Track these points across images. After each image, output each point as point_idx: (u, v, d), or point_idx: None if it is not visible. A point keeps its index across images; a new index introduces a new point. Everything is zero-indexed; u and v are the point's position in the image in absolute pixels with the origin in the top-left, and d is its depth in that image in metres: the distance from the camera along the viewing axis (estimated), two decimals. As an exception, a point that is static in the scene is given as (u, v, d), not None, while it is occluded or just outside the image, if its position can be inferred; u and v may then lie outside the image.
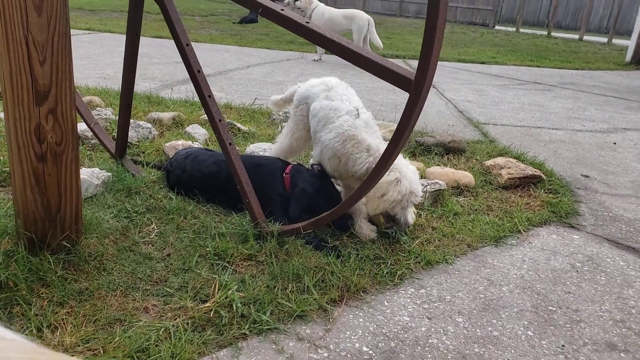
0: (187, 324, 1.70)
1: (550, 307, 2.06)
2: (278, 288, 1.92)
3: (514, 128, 5.10)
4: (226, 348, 1.63)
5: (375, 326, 1.82)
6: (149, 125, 3.54)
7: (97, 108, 3.86)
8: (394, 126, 4.23)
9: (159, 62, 7.01)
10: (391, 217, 2.42)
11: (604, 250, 2.63)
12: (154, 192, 2.63)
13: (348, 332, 1.77)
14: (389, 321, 1.86)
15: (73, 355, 1.52)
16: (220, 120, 2.13)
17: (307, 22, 1.73)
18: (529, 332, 1.88)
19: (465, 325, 1.88)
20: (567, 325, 1.95)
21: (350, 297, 1.97)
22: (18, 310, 1.70)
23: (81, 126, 3.10)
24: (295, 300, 1.86)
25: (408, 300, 2.00)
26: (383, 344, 1.73)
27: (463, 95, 6.69)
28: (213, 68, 7.07)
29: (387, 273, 2.15)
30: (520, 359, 1.74)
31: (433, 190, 2.89)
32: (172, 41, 2.18)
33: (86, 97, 4.28)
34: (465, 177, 3.27)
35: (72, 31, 9.31)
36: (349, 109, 2.43)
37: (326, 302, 1.90)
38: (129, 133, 3.45)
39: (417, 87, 1.50)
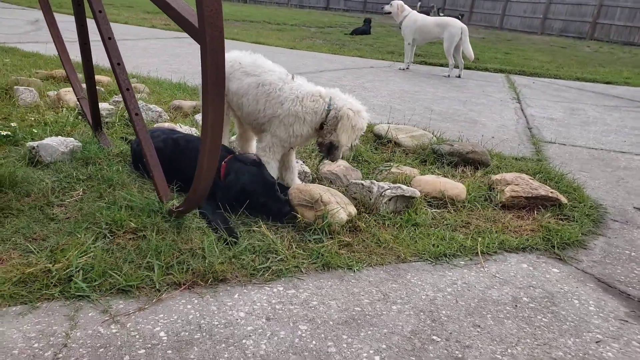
0: (17, 277, 1.71)
1: (434, 337, 1.67)
2: (130, 262, 1.85)
3: (585, 150, 4.34)
4: (23, 305, 1.60)
5: (198, 315, 1.65)
6: (159, 109, 3.71)
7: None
8: (418, 131, 3.90)
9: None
10: (332, 147, 2.48)
11: (582, 289, 2.07)
12: (110, 163, 2.74)
13: (161, 315, 1.63)
14: (219, 313, 1.67)
15: None
16: (127, 89, 2.14)
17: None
18: (377, 358, 1.54)
19: (303, 335, 1.61)
20: (436, 361, 1.56)
21: (200, 283, 1.81)
22: None
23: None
24: (131, 275, 1.77)
25: (264, 298, 1.78)
26: (187, 333, 1.56)
27: (549, 112, 5.90)
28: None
29: (265, 267, 1.94)
30: (339, 384, 1.43)
31: (393, 195, 2.55)
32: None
33: (133, 85, 4.65)
34: (455, 188, 2.84)
35: (182, 34, 10.19)
36: (281, 77, 2.52)
37: (167, 284, 1.78)
38: (139, 115, 3.66)
39: (202, 37, 1.37)
